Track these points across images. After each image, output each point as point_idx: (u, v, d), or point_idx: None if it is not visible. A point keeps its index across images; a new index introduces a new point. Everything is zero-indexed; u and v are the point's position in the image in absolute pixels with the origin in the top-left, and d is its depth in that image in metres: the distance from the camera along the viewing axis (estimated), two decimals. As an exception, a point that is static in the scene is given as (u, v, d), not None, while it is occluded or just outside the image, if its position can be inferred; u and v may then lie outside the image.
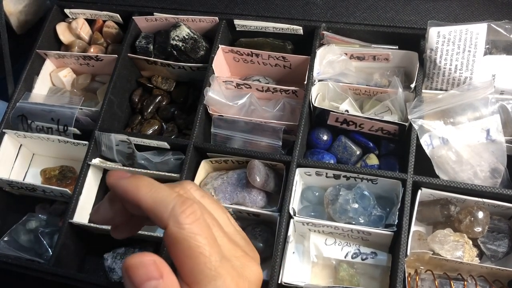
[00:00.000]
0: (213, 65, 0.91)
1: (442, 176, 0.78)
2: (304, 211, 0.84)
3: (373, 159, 0.86)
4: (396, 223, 0.75)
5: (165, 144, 0.88)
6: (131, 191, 0.39)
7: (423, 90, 0.84)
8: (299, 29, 0.93)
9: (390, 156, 0.87)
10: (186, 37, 0.94)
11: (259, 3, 0.96)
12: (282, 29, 0.93)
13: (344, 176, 0.80)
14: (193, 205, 0.38)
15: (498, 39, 0.81)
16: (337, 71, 0.88)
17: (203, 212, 0.39)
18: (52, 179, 0.95)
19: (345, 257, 0.80)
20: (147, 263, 0.37)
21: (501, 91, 0.81)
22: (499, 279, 0.76)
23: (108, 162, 0.91)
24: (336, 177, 0.81)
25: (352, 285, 0.78)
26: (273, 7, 0.95)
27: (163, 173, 0.86)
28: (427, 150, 0.79)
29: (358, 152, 0.87)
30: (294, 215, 0.79)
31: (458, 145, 0.78)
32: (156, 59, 0.97)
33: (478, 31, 0.79)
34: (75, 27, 1.05)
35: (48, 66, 1.04)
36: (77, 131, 0.92)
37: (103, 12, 1.03)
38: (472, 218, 0.75)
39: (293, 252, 0.82)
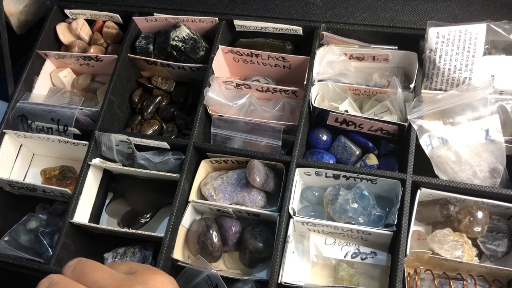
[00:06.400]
0: (213, 65, 0.91)
1: (442, 176, 0.78)
2: (304, 211, 0.84)
3: (372, 159, 0.86)
4: (395, 223, 0.75)
5: (165, 144, 0.88)
6: None
7: (422, 90, 0.84)
8: (298, 30, 0.93)
9: (389, 156, 0.87)
10: (186, 37, 0.94)
11: (259, 3, 0.97)
12: (282, 29, 0.94)
13: (344, 176, 0.80)
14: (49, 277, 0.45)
15: (497, 39, 0.81)
16: (337, 72, 0.88)
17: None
18: (52, 179, 0.95)
19: (344, 257, 0.80)
20: None
21: (500, 91, 0.81)
22: (499, 279, 0.76)
23: (108, 162, 0.91)
24: (336, 177, 0.81)
25: (351, 285, 0.78)
26: (272, 7, 0.96)
27: (163, 173, 0.86)
28: (427, 150, 0.79)
29: (357, 152, 0.87)
30: (294, 215, 0.79)
31: (457, 145, 0.78)
32: (156, 60, 0.97)
33: (477, 31, 0.79)
34: (75, 27, 1.05)
35: (48, 66, 1.04)
36: (77, 131, 0.92)
37: (103, 12, 1.04)
38: (472, 218, 0.75)
39: (293, 252, 0.82)
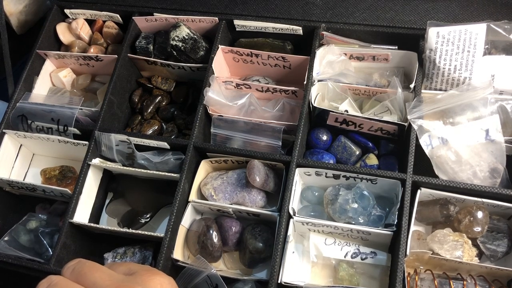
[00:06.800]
0: (213, 65, 0.91)
1: (442, 176, 0.78)
2: (304, 211, 0.84)
3: (372, 159, 0.86)
4: (395, 223, 0.75)
5: (165, 144, 0.88)
6: None
7: (422, 90, 0.84)
8: (298, 29, 0.93)
9: (389, 156, 0.87)
10: (186, 37, 0.94)
11: (259, 3, 0.97)
12: (282, 29, 0.93)
13: (344, 176, 0.80)
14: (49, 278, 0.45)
15: (497, 39, 0.81)
16: (337, 71, 0.88)
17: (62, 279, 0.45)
18: (52, 179, 0.95)
19: (344, 257, 0.80)
20: None
21: (500, 91, 0.81)
22: (499, 279, 0.76)
23: (108, 162, 0.91)
24: (336, 177, 0.81)
25: (351, 285, 0.78)
26: (272, 7, 0.96)
27: (163, 173, 0.86)
28: (427, 150, 0.79)
29: (357, 152, 0.87)
30: (294, 215, 0.79)
31: (457, 145, 0.78)
32: (156, 60, 0.97)
33: (477, 31, 0.79)
34: (75, 27, 1.05)
35: (48, 66, 1.04)
36: (77, 131, 0.92)
37: (103, 12, 1.03)
38: (472, 218, 0.75)
39: (293, 252, 0.82)
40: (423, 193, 0.77)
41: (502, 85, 0.81)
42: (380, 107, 0.86)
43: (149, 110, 1.00)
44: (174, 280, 0.48)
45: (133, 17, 0.99)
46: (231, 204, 0.85)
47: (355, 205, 0.78)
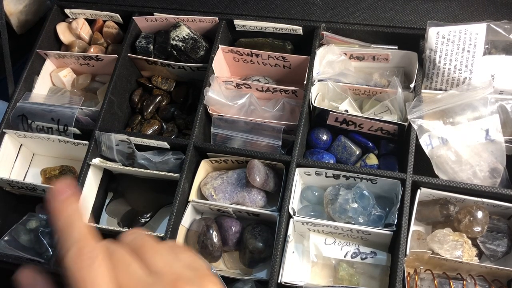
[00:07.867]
0: (213, 65, 0.91)
1: (442, 176, 0.78)
2: (304, 210, 0.84)
3: (372, 159, 0.86)
4: (395, 222, 0.75)
5: (165, 144, 0.88)
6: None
7: (422, 90, 0.84)
8: (298, 29, 0.93)
9: (389, 156, 0.87)
10: (186, 37, 0.94)
11: (259, 3, 0.97)
12: (282, 29, 0.93)
13: (344, 176, 0.80)
14: (93, 251, 0.37)
15: (498, 39, 0.81)
16: (337, 71, 0.88)
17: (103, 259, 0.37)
18: (52, 179, 0.95)
19: (344, 257, 0.80)
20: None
21: (500, 91, 0.81)
22: (498, 279, 0.76)
23: (108, 162, 0.91)
24: (336, 176, 0.81)
25: (351, 285, 0.78)
26: (273, 7, 0.96)
27: (163, 173, 0.86)
28: (427, 150, 0.79)
29: (357, 152, 0.87)
30: (294, 214, 0.79)
31: (457, 145, 0.78)
32: (156, 59, 0.97)
33: (477, 31, 0.79)
34: (75, 27, 1.05)
35: (48, 66, 1.04)
36: (77, 131, 0.92)
37: (103, 12, 1.03)
38: (472, 218, 0.75)
39: (293, 252, 0.82)
40: (423, 193, 0.77)
41: (502, 85, 0.81)
42: (380, 107, 0.86)
43: (149, 110, 1.00)
44: None
45: (133, 17, 0.99)
46: (231, 204, 0.85)
47: (355, 205, 0.78)
